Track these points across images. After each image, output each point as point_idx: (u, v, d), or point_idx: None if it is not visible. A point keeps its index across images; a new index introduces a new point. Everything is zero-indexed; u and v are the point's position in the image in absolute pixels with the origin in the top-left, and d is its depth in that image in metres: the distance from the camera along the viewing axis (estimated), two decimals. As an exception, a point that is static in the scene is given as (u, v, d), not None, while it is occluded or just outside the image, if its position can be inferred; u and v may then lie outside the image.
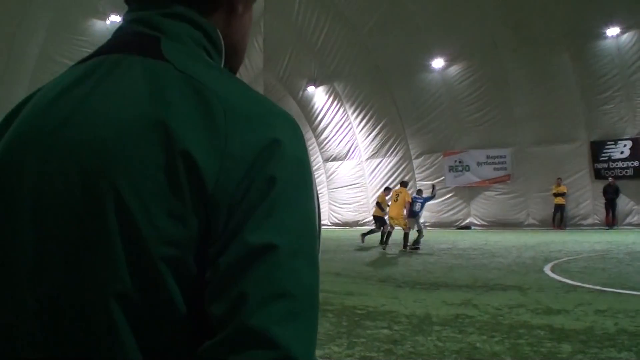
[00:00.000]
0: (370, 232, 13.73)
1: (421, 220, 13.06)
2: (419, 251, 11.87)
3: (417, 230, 12.33)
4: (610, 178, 16.59)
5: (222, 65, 0.72)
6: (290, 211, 0.56)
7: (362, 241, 13.53)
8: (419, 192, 13.84)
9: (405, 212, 12.29)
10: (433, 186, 14.01)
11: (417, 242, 12.15)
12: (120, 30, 0.68)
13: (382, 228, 13.08)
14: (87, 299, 0.55)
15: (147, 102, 0.57)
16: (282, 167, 0.57)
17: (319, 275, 0.59)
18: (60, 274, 0.56)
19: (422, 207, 12.74)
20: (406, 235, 12.07)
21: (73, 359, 0.56)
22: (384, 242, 12.54)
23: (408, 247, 11.95)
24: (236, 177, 0.55)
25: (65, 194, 0.57)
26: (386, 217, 13.04)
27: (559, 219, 17.32)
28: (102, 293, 0.54)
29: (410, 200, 12.36)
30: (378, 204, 13.75)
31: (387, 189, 14.36)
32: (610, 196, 16.54)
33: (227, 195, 0.55)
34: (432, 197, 13.61)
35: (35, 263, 0.57)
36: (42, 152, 0.59)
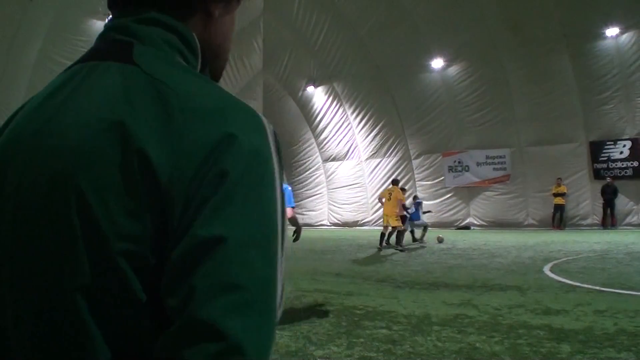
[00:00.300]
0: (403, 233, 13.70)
1: (424, 220, 13.50)
2: (423, 246, 12.46)
3: (423, 229, 13.11)
4: (608, 178, 16.61)
5: (199, 67, 0.74)
6: (242, 204, 0.57)
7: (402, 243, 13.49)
8: (415, 197, 14.29)
9: (398, 210, 12.46)
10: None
11: (415, 237, 12.82)
12: (100, 38, 0.72)
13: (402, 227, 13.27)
14: (57, 295, 0.58)
15: (110, 105, 0.61)
16: (235, 161, 0.58)
17: (279, 267, 0.60)
18: (35, 273, 0.59)
19: (416, 209, 13.23)
20: (399, 234, 12.19)
21: (55, 357, 0.58)
22: (382, 242, 12.69)
23: (414, 241, 12.18)
24: (190, 172, 0.57)
25: (39, 195, 0.60)
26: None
27: (559, 219, 17.34)
28: (68, 288, 0.57)
29: (401, 198, 12.65)
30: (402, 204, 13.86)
31: (404, 190, 14.29)
32: (609, 196, 16.55)
33: (181, 190, 0.56)
34: (420, 203, 14.06)
35: (14, 263, 0.61)
36: (25, 155, 0.63)
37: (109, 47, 0.68)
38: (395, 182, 13.44)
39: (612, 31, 15.59)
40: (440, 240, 13.34)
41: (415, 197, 14.40)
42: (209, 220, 0.56)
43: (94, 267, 0.57)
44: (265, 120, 0.64)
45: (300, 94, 22.40)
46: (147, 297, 0.57)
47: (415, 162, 20.38)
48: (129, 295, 0.57)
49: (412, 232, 13.50)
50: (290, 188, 5.62)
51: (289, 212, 5.48)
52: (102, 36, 0.71)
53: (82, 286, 0.57)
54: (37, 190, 0.60)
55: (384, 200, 12.80)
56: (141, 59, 0.65)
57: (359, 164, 21.69)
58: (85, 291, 0.57)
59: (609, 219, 16.62)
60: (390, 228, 12.44)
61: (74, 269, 0.57)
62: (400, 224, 12.32)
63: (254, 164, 0.59)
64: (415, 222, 13.37)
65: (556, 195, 17.25)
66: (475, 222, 19.17)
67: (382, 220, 13.14)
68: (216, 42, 0.78)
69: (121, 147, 0.58)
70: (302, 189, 23.61)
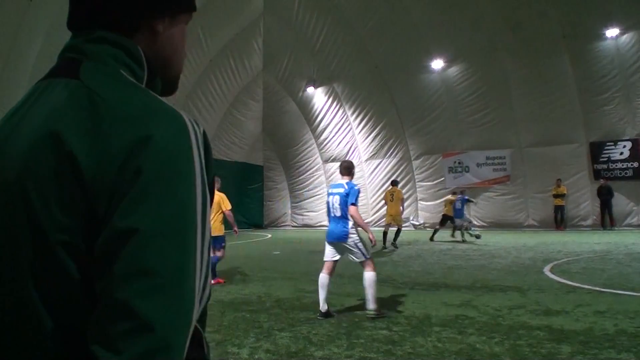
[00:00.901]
0: (435, 231, 14.65)
1: (467, 217, 14.35)
2: (478, 240, 13.50)
3: (464, 225, 14.00)
4: (601, 179, 16.62)
5: (146, 77, 0.82)
6: (155, 198, 0.65)
7: (432, 239, 14.38)
8: (462, 192, 14.99)
9: (401, 209, 13.10)
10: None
11: (474, 234, 13.75)
12: (58, 57, 0.82)
13: (453, 223, 14.46)
14: (12, 281, 0.69)
15: (51, 116, 0.71)
16: (151, 159, 0.66)
17: (198, 255, 0.67)
18: None
19: (462, 205, 13.96)
20: (398, 232, 12.72)
21: (7, 328, 0.70)
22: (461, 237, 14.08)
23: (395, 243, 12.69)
24: (112, 171, 0.65)
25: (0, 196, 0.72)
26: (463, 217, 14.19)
27: (560, 219, 17.35)
28: (19, 275, 0.68)
29: (403, 197, 13.53)
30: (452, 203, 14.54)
31: (454, 193, 15.30)
32: (604, 197, 16.56)
33: (105, 187, 0.65)
34: (469, 201, 14.79)
35: None
36: None
37: (62, 65, 0.79)
38: (394, 183, 13.93)
39: (612, 32, 15.59)
40: (478, 237, 13.80)
41: (461, 192, 15.06)
42: (125, 213, 0.64)
43: (37, 254, 0.67)
44: (190, 124, 0.72)
45: (300, 94, 22.40)
46: (81, 276, 0.67)
47: (415, 163, 20.38)
48: (66, 276, 0.67)
49: (455, 228, 14.40)
50: (357, 187, 5.58)
51: (351, 210, 5.42)
52: (60, 55, 0.81)
53: (31, 274, 0.68)
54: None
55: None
56: (84, 74, 0.74)
57: (359, 164, 21.67)
58: (33, 277, 0.67)
59: (607, 220, 16.63)
60: (395, 227, 12.74)
61: (22, 256, 0.68)
62: (401, 223, 12.94)
63: (169, 162, 0.67)
64: (456, 219, 14.15)
65: (556, 196, 17.26)
66: (476, 222, 19.14)
67: (383, 220, 13.43)
68: (164, 55, 0.86)
69: (55, 152, 0.67)
70: (302, 189, 23.61)
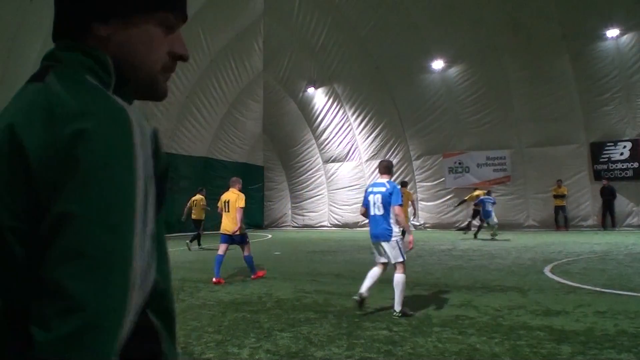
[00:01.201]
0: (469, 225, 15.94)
1: (494, 219, 14.77)
2: (496, 238, 14.32)
3: (491, 225, 14.61)
4: (604, 180, 16.63)
5: (114, 82, 0.86)
6: (90, 185, 0.69)
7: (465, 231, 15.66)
8: (489, 193, 15.43)
9: (410, 210, 13.39)
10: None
11: (494, 234, 14.60)
12: (40, 64, 0.88)
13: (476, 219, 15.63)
14: None
15: (11, 114, 0.77)
16: (88, 150, 0.70)
17: (135, 242, 0.70)
18: None
19: (492, 205, 14.47)
20: (403, 234, 12.50)
21: None
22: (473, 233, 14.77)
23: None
24: (55, 161, 0.70)
25: None
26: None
27: (563, 220, 17.35)
28: None
29: (413, 199, 13.86)
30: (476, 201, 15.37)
31: (476, 189, 16.13)
32: (607, 197, 16.57)
33: (49, 177, 0.70)
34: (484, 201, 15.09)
35: None
36: None
37: (38, 71, 0.85)
38: (404, 184, 13.89)
39: (612, 32, 15.60)
40: (493, 235, 14.38)
41: (489, 192, 15.56)
42: (63, 200, 0.68)
43: None
44: (134, 119, 0.76)
45: (300, 95, 22.40)
46: (28, 261, 0.71)
47: (415, 164, 20.38)
48: (14, 260, 0.71)
49: (479, 228, 15.08)
50: (398, 187, 5.60)
51: (397, 210, 5.42)
52: (40, 62, 0.88)
53: None
54: None
55: None
56: (50, 79, 0.81)
57: (359, 165, 21.69)
58: None
59: (609, 220, 16.63)
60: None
61: None
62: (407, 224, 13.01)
63: (106, 152, 0.71)
64: (485, 219, 14.75)
65: (556, 197, 17.25)
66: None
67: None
68: (122, 58, 0.87)
69: (9, 143, 0.73)
70: (302, 190, 23.61)
